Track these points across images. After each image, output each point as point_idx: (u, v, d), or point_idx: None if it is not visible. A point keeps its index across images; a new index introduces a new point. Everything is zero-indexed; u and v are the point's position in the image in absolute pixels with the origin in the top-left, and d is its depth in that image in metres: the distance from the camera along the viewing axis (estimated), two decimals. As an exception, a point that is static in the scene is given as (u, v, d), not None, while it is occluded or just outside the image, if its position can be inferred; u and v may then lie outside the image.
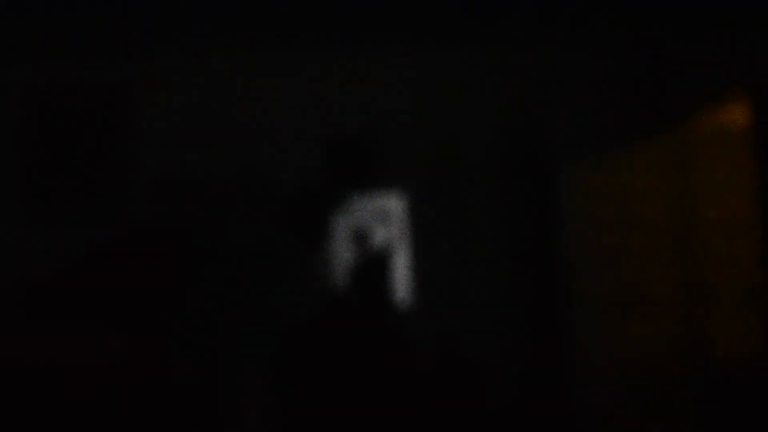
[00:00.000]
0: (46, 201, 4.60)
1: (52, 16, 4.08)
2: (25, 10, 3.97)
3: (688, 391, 4.66)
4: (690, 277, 4.72)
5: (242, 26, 4.36)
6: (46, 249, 4.57)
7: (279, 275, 4.60)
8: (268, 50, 4.73)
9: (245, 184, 4.68)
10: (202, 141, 4.70)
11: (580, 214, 4.70)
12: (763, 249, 4.64)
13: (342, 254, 4.65)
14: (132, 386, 4.29)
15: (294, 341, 4.49)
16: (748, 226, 4.67)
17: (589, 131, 4.78)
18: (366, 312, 4.58)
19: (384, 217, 4.70)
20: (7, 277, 4.54)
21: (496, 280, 4.77)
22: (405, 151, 4.80)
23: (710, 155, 4.76)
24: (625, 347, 4.66)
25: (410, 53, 4.83)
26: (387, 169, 4.78)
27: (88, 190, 4.62)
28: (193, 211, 4.62)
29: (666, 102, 4.83)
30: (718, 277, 4.69)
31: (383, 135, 4.79)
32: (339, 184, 4.70)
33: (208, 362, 4.50)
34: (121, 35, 4.38)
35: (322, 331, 4.48)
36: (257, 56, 4.77)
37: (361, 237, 4.60)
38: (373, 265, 4.64)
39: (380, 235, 4.68)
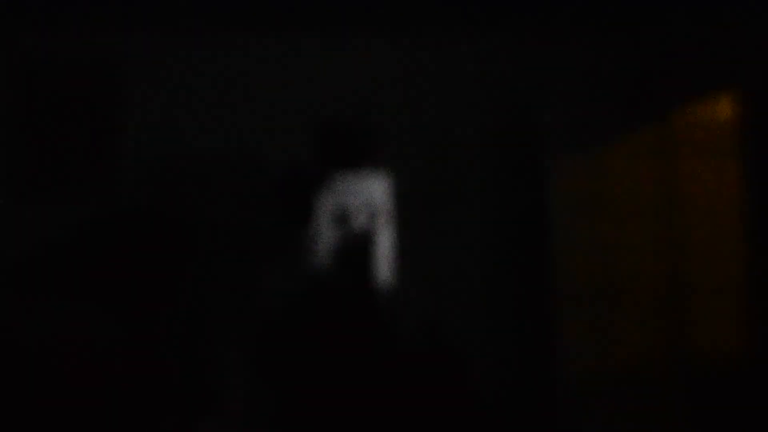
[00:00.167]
0: (33, 178, 4.58)
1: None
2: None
3: (673, 383, 4.69)
4: (676, 270, 4.74)
5: (235, 5, 4.34)
6: (32, 227, 4.55)
7: (265, 255, 4.60)
8: (261, 30, 4.71)
9: (232, 164, 4.67)
10: (190, 120, 4.69)
11: (566, 205, 4.72)
12: (748, 243, 4.67)
13: (327, 235, 4.65)
14: (117, 366, 4.29)
15: (277, 322, 4.50)
16: (734, 220, 4.70)
17: (578, 123, 4.79)
18: (348, 293, 4.59)
19: (370, 200, 4.70)
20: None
21: (480, 267, 4.78)
22: (394, 135, 4.80)
23: (697, 149, 4.78)
24: (609, 338, 4.69)
25: (403, 38, 4.83)
26: (375, 152, 4.78)
27: (75, 167, 4.60)
28: (180, 190, 4.61)
29: (653, 96, 4.85)
30: (703, 271, 4.72)
31: (373, 118, 4.79)
32: (327, 165, 4.70)
33: (193, 342, 4.50)
34: (111, 11, 4.36)
35: (305, 312, 4.48)
36: (249, 36, 4.76)
37: (343, 219, 4.60)
38: (356, 247, 4.64)
39: (365, 218, 4.68)
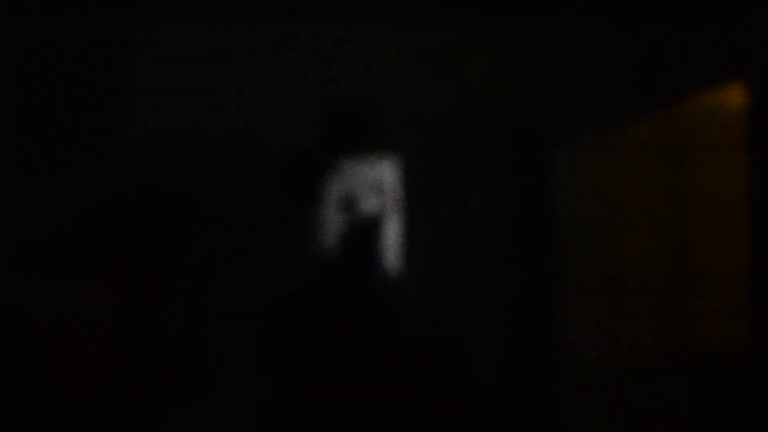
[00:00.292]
0: (39, 159, 4.55)
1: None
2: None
3: (677, 376, 4.69)
4: (681, 261, 4.74)
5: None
6: (37, 206, 4.53)
7: (270, 238, 4.59)
8: (268, 12, 4.69)
9: (239, 146, 4.65)
10: (197, 102, 4.67)
11: (572, 194, 4.71)
12: (755, 235, 4.67)
13: (333, 221, 4.63)
14: (121, 346, 4.28)
15: (281, 307, 4.48)
16: (741, 212, 4.69)
17: (585, 111, 4.78)
18: (353, 279, 4.58)
19: (377, 185, 4.69)
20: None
21: (486, 256, 4.77)
22: (400, 120, 4.78)
23: (705, 139, 4.77)
24: (614, 330, 4.68)
25: (410, 21, 4.80)
26: (382, 136, 4.76)
27: (82, 147, 4.57)
28: (186, 172, 4.59)
29: (661, 84, 4.84)
30: (710, 263, 4.71)
31: (380, 102, 4.77)
32: (333, 149, 4.68)
33: (196, 326, 4.49)
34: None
35: (309, 297, 4.47)
36: (256, 18, 4.73)
37: (349, 204, 4.58)
38: (362, 233, 4.63)
39: (371, 203, 4.67)
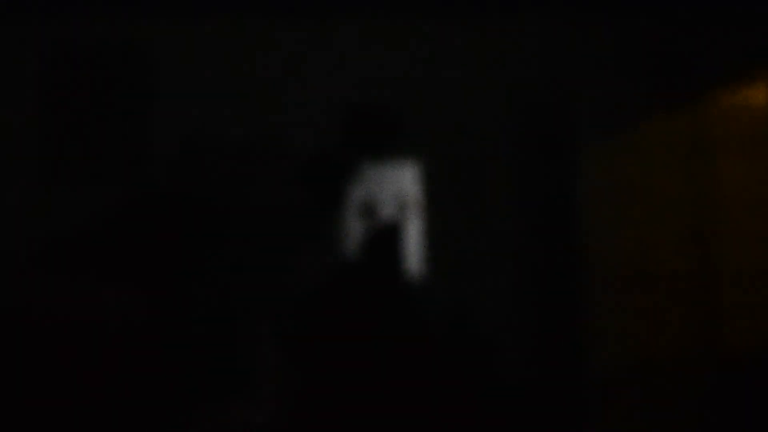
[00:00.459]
0: (65, 159, 4.60)
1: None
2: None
3: (704, 373, 4.65)
4: (708, 259, 4.69)
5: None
6: (64, 207, 4.58)
7: (294, 240, 4.60)
8: (291, 13, 4.71)
9: (263, 148, 4.67)
10: (220, 104, 4.70)
11: (596, 191, 4.68)
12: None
13: (355, 222, 4.64)
14: (148, 348, 4.31)
15: (306, 307, 4.50)
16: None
17: (609, 109, 4.75)
18: (377, 281, 4.58)
19: (398, 189, 4.69)
20: (24, 234, 4.55)
21: (509, 255, 4.75)
22: (422, 122, 4.78)
23: (731, 135, 4.72)
24: (639, 327, 4.65)
25: (433, 23, 4.80)
26: (404, 138, 4.76)
27: (106, 149, 4.62)
28: (209, 173, 4.62)
29: (688, 79, 4.79)
30: (736, 260, 4.67)
31: (401, 105, 4.77)
32: (356, 151, 4.68)
33: (223, 325, 4.51)
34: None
35: (333, 298, 4.48)
36: (279, 20, 4.75)
37: (371, 208, 4.59)
38: (384, 236, 4.63)
39: (393, 207, 4.67)
